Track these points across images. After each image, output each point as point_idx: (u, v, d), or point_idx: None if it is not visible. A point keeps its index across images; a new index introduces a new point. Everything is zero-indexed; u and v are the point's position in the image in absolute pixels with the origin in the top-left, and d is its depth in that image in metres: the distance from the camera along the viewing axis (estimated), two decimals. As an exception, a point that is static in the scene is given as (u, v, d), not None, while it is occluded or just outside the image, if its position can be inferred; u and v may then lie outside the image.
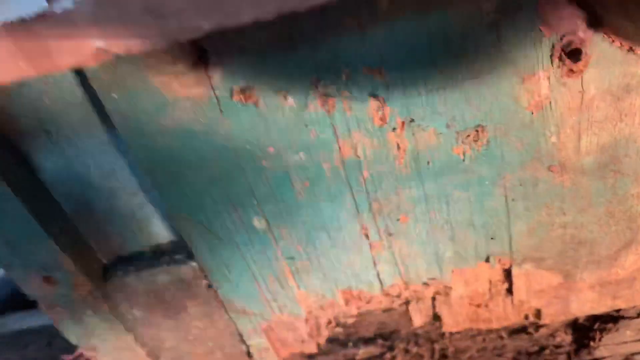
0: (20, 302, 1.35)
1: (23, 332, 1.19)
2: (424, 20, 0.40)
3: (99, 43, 0.36)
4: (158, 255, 0.60)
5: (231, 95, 0.44)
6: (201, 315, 0.63)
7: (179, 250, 0.59)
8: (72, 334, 0.63)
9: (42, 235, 0.53)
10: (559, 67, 0.42)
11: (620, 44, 0.41)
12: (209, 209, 0.51)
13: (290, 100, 0.44)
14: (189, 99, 0.44)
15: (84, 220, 0.58)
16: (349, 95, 0.44)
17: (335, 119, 0.45)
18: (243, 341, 0.66)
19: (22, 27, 0.35)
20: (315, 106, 0.44)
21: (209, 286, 0.60)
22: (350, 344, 0.69)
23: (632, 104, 0.45)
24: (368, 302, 0.62)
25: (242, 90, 0.43)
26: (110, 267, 0.61)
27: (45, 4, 0.36)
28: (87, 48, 0.36)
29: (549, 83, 0.43)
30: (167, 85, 0.43)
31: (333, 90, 0.43)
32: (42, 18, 0.34)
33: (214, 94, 0.43)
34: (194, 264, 0.58)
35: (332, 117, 0.45)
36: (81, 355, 0.72)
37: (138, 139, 0.46)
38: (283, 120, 0.45)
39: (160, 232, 0.60)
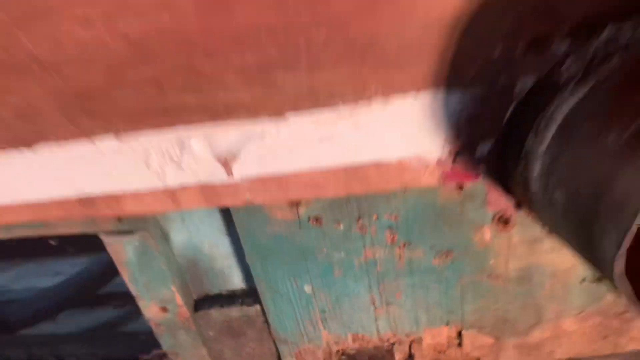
0: (77, 301, 1.64)
1: (90, 328, 1.48)
2: (423, 196, 0.72)
3: (249, 196, 0.67)
4: (233, 298, 0.91)
5: (308, 220, 0.75)
6: (255, 340, 0.94)
7: (248, 296, 0.90)
8: (166, 343, 0.94)
9: (168, 281, 0.84)
10: (497, 225, 0.74)
11: (531, 216, 0.73)
12: (279, 278, 0.82)
13: (341, 226, 0.75)
14: (283, 220, 0.75)
15: (190, 271, 0.88)
16: (375, 226, 0.75)
17: (365, 237, 0.77)
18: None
19: (209, 187, 0.67)
20: (355, 230, 0.76)
21: (265, 322, 0.91)
22: (350, 368, 1.00)
23: (538, 246, 0.77)
24: (367, 342, 0.93)
25: (315, 218, 0.75)
26: (200, 302, 0.91)
27: (225, 175, 0.67)
28: (241, 198, 0.67)
29: (491, 233, 0.75)
30: (273, 212, 0.74)
31: (367, 223, 0.75)
32: (222, 182, 0.65)
33: (298, 218, 0.75)
34: (258, 307, 0.89)
35: (364, 236, 0.77)
36: (158, 355, 1.02)
37: (247, 234, 0.77)
38: (335, 235, 0.77)
39: (238, 283, 0.90)
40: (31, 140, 0.63)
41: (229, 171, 0.65)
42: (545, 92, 0.56)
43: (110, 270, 1.61)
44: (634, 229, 0.42)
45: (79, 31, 0.52)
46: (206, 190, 0.66)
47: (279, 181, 0.65)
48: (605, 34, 0.53)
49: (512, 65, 0.56)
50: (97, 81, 0.57)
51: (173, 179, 0.65)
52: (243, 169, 0.64)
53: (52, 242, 1.93)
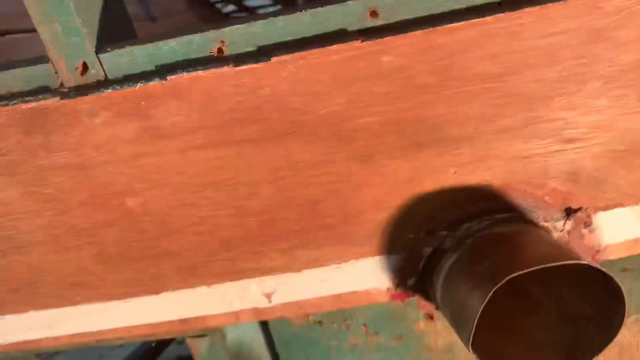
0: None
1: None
2: (381, 306, 1.22)
3: (280, 313, 1.17)
4: (264, 373, 1.38)
5: (314, 323, 1.24)
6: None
7: (274, 371, 1.38)
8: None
9: (225, 365, 1.31)
10: (426, 319, 1.24)
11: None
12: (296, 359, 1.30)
13: (334, 325, 1.25)
14: (299, 324, 1.24)
15: (238, 358, 1.35)
16: (355, 324, 1.24)
17: (349, 331, 1.26)
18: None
19: (257, 309, 1.16)
20: (343, 327, 1.25)
21: (286, 387, 1.38)
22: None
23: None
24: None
25: (318, 322, 1.24)
26: (242, 377, 1.38)
27: (267, 302, 1.16)
28: (277, 315, 1.17)
29: (424, 324, 1.25)
30: (293, 319, 1.23)
31: (350, 322, 1.24)
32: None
33: (308, 322, 1.24)
34: (282, 378, 1.36)
35: (348, 330, 1.26)
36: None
37: (277, 333, 1.26)
38: (331, 331, 1.25)
39: (267, 363, 1.38)
40: (159, 290, 1.12)
41: (269, 300, 1.14)
42: (437, 255, 1.08)
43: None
44: (471, 333, 0.92)
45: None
46: (257, 311, 1.15)
47: (298, 304, 1.15)
48: (464, 227, 1.06)
49: (420, 242, 1.08)
50: (198, 258, 1.07)
51: (237, 306, 1.15)
52: (277, 298, 1.14)
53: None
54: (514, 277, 0.87)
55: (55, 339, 1.20)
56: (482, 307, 0.88)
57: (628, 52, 0.90)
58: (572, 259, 0.88)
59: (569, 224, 1.07)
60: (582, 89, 0.93)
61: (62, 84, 0.91)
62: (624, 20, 0.87)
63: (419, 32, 0.87)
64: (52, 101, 0.88)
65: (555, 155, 1.00)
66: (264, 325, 1.31)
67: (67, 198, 0.99)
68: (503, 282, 0.87)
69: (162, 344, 2.19)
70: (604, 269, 0.86)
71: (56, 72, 0.90)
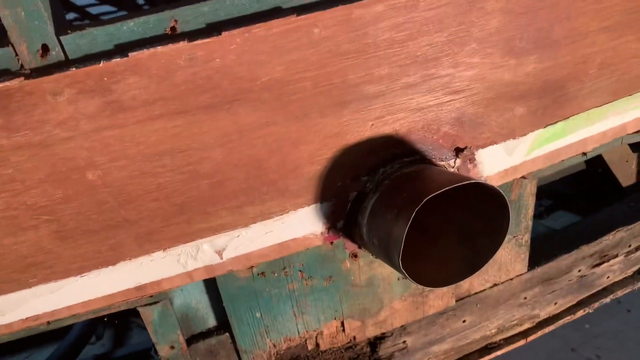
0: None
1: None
2: (315, 250, 1.40)
3: (230, 267, 1.30)
4: (210, 332, 1.50)
5: (257, 275, 1.39)
6: (225, 356, 1.53)
7: (219, 329, 1.50)
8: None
9: (176, 329, 1.41)
10: (351, 258, 1.45)
11: (366, 251, 1.46)
12: (242, 311, 1.44)
13: (275, 274, 1.41)
14: (244, 277, 1.38)
15: (184, 319, 1.45)
16: (292, 271, 1.42)
17: (287, 278, 1.43)
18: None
19: (210, 267, 1.29)
20: (282, 275, 1.42)
21: (232, 342, 1.51)
22: (282, 363, 1.63)
23: (373, 265, 1.50)
24: (292, 341, 1.57)
25: (261, 273, 1.39)
26: (190, 339, 1.48)
27: (219, 259, 1.28)
28: (227, 269, 1.31)
29: (349, 263, 1.46)
30: (238, 273, 1.37)
31: (288, 270, 1.41)
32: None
33: (252, 274, 1.39)
34: (227, 334, 1.49)
35: (287, 277, 1.42)
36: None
37: (224, 288, 1.39)
38: (272, 280, 1.41)
39: (212, 322, 1.50)
40: (116, 261, 1.20)
41: (221, 257, 1.27)
42: (361, 197, 1.29)
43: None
44: (400, 251, 1.14)
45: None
46: (209, 269, 1.28)
47: (247, 257, 1.29)
48: (381, 172, 1.28)
49: (347, 188, 1.28)
50: (155, 224, 1.17)
51: (191, 266, 1.26)
52: (228, 254, 1.27)
53: None
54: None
55: (7, 326, 1.21)
56: (407, 227, 1.11)
57: (493, 19, 1.18)
58: (467, 180, 1.14)
59: (458, 162, 1.35)
60: (463, 49, 1.20)
61: (22, 66, 0.96)
62: (488, -6, 1.15)
63: (340, 7, 1.06)
64: (16, 81, 0.93)
65: (445, 105, 1.26)
66: (209, 286, 1.43)
67: (27, 178, 1.04)
68: (422, 203, 1.10)
69: (79, 345, 2.18)
70: (489, 184, 1.13)
71: (17, 55, 0.95)
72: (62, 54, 0.98)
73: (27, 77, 0.94)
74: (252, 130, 1.13)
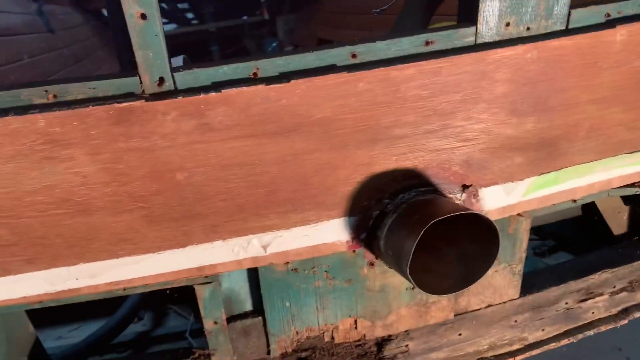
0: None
1: None
2: (339, 255, 1.72)
3: (272, 260, 1.63)
4: (246, 315, 1.81)
5: (291, 270, 1.71)
6: (256, 337, 1.84)
7: (254, 312, 1.81)
8: (212, 343, 1.80)
9: (220, 307, 1.73)
10: (369, 266, 1.77)
11: (382, 261, 1.77)
12: (275, 299, 1.76)
13: (305, 271, 1.73)
14: (280, 270, 1.70)
15: (226, 300, 1.78)
16: (319, 270, 1.73)
17: (315, 276, 1.74)
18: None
19: (256, 258, 1.62)
20: (311, 273, 1.73)
21: (264, 325, 1.82)
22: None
23: (387, 274, 1.80)
24: (312, 331, 1.88)
25: (294, 269, 1.71)
26: (229, 318, 1.80)
27: (264, 252, 1.61)
28: (269, 261, 1.63)
29: (367, 270, 1.77)
30: (276, 267, 1.69)
31: (316, 269, 1.73)
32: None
33: (287, 269, 1.71)
34: (260, 318, 1.81)
35: (315, 275, 1.74)
36: (204, 355, 1.87)
37: (263, 277, 1.71)
38: (302, 276, 1.73)
39: (248, 307, 1.82)
40: (185, 244, 1.53)
41: (265, 251, 1.60)
42: (382, 216, 1.61)
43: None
44: (409, 262, 1.45)
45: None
46: (255, 259, 1.60)
47: (284, 254, 1.61)
48: (400, 197, 1.60)
49: (371, 207, 1.60)
50: (220, 218, 1.51)
51: (242, 255, 1.59)
52: (271, 249, 1.60)
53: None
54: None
55: (95, 287, 1.56)
56: (416, 242, 1.42)
57: (500, 86, 1.50)
58: (469, 211, 1.45)
59: (464, 196, 1.66)
60: (474, 107, 1.52)
61: (143, 91, 1.32)
62: (498, 67, 1.47)
63: (380, 69, 1.40)
64: (138, 102, 1.29)
65: (457, 149, 1.58)
66: (251, 275, 1.75)
67: (132, 173, 1.38)
68: (429, 224, 1.41)
69: (125, 322, 2.52)
70: (484, 215, 1.44)
71: (141, 83, 1.31)
72: (173, 85, 1.33)
73: (147, 100, 1.30)
74: (303, 154, 1.46)
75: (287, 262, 1.69)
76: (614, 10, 1.54)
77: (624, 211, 2.33)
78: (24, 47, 5.04)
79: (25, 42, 5.10)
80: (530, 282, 2.12)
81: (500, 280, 2.00)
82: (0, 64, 3.32)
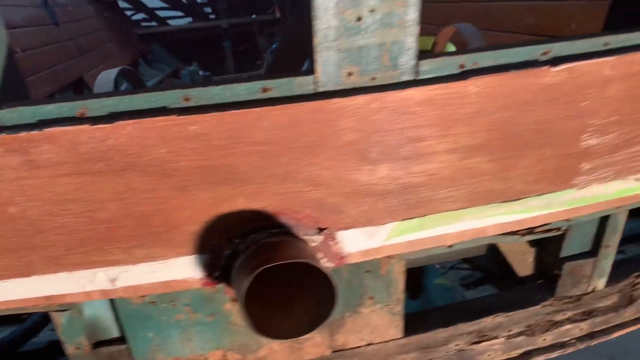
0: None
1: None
2: (199, 291, 1.72)
3: (122, 294, 1.64)
4: (112, 341, 1.82)
5: (149, 303, 1.71)
6: (123, 363, 1.85)
7: (119, 340, 1.82)
8: None
9: (82, 333, 1.74)
10: (232, 300, 1.76)
11: (246, 298, 1.76)
12: (138, 331, 1.76)
13: (163, 305, 1.73)
14: (138, 302, 1.71)
15: (89, 327, 1.79)
16: (178, 304, 1.73)
17: (176, 310, 1.74)
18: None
19: (105, 290, 1.62)
20: (169, 306, 1.73)
21: (129, 354, 1.83)
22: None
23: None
24: (181, 361, 1.88)
25: (151, 302, 1.72)
26: (95, 344, 1.81)
27: (110, 285, 1.62)
28: (118, 294, 1.64)
29: (229, 304, 1.76)
30: (134, 299, 1.70)
31: (176, 303, 1.73)
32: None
33: (142, 302, 1.71)
34: (125, 345, 1.81)
35: (174, 309, 1.74)
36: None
37: (122, 308, 1.72)
38: (159, 310, 1.73)
39: (115, 333, 1.83)
40: (29, 274, 1.55)
41: (113, 284, 1.60)
42: (234, 256, 1.60)
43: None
44: (243, 304, 1.44)
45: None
46: (104, 292, 1.61)
47: (135, 288, 1.62)
48: (251, 237, 1.59)
49: (221, 246, 1.59)
50: (60, 251, 1.51)
51: (89, 287, 1.59)
52: (119, 283, 1.60)
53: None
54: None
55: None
56: (247, 287, 1.41)
57: (346, 135, 1.48)
58: (302, 259, 1.43)
59: (320, 238, 1.64)
60: (321, 154, 1.50)
61: (-33, 129, 1.33)
62: (340, 115, 1.46)
63: (213, 113, 1.39)
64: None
65: (306, 193, 1.57)
66: (113, 303, 1.76)
67: (-37, 206, 1.40)
68: (258, 271, 1.40)
69: (35, 329, 2.55)
70: (316, 265, 1.42)
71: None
72: (-3, 122, 1.34)
73: (-27, 138, 1.31)
74: (141, 192, 1.46)
75: (143, 295, 1.70)
76: (469, 60, 1.50)
77: (530, 253, 2.28)
78: (20, 40, 5.10)
79: (24, 35, 5.17)
80: (418, 323, 2.09)
81: (378, 320, 1.97)
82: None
